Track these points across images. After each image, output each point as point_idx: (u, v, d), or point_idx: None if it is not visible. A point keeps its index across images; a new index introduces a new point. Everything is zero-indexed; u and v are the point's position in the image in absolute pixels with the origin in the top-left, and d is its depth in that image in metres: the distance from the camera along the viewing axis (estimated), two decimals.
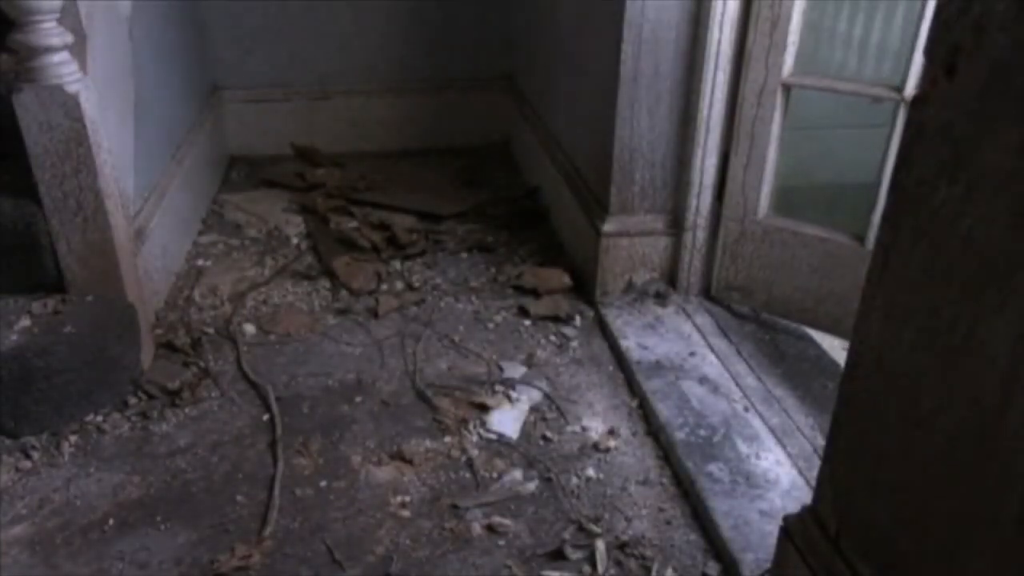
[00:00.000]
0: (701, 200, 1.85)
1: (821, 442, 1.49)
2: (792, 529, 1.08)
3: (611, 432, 1.59)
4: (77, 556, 1.31)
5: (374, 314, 1.96)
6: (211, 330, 1.89)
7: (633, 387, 1.71)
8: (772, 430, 1.54)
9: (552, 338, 1.88)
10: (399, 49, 2.77)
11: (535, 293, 2.02)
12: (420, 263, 2.17)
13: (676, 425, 1.55)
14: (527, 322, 1.94)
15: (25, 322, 1.54)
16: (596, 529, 1.36)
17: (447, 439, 1.57)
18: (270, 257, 2.20)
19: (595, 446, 1.55)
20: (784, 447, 1.50)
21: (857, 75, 1.78)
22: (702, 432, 1.54)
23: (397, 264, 2.16)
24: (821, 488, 1.04)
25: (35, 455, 1.50)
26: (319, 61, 2.73)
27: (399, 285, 2.08)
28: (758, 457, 1.48)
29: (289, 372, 1.76)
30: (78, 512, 1.40)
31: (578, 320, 1.93)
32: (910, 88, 1.49)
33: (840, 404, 1.00)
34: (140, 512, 1.40)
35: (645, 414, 1.64)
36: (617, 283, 1.96)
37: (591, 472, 1.49)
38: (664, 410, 1.59)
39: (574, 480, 1.47)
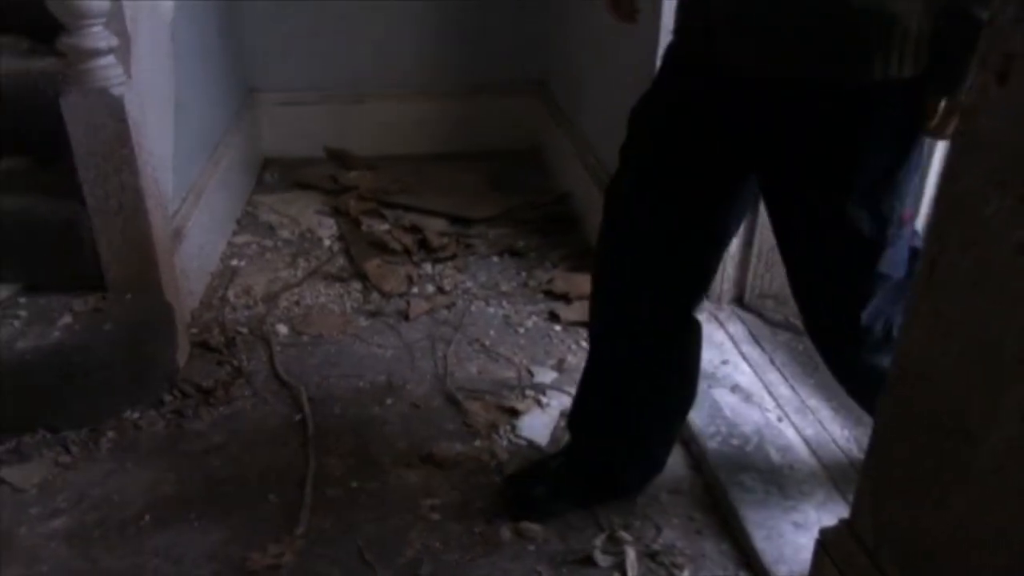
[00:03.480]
0: None
1: (857, 455, 1.47)
2: (829, 542, 1.07)
3: None
4: (114, 550, 1.33)
5: (405, 316, 1.97)
6: (245, 330, 1.92)
7: None
8: (806, 441, 1.52)
9: (583, 344, 1.88)
10: (433, 53, 2.78)
11: (566, 298, 2.02)
12: (451, 266, 2.18)
13: (708, 434, 1.54)
14: (558, 327, 1.94)
15: (67, 319, 1.57)
16: (626, 537, 1.35)
17: (477, 443, 1.58)
18: (303, 258, 2.22)
19: None
20: (819, 459, 1.47)
21: None
22: (734, 441, 1.52)
23: (428, 267, 2.17)
24: (859, 501, 1.03)
25: (74, 450, 1.53)
26: (353, 65, 2.76)
27: (430, 288, 2.09)
28: (791, 468, 1.46)
29: (321, 373, 1.78)
30: (115, 507, 1.42)
31: None
32: None
33: (881, 416, 0.98)
34: (175, 508, 1.42)
35: None
36: None
37: None
38: (696, 418, 1.58)
39: None
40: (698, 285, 1.32)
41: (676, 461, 1.53)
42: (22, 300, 1.61)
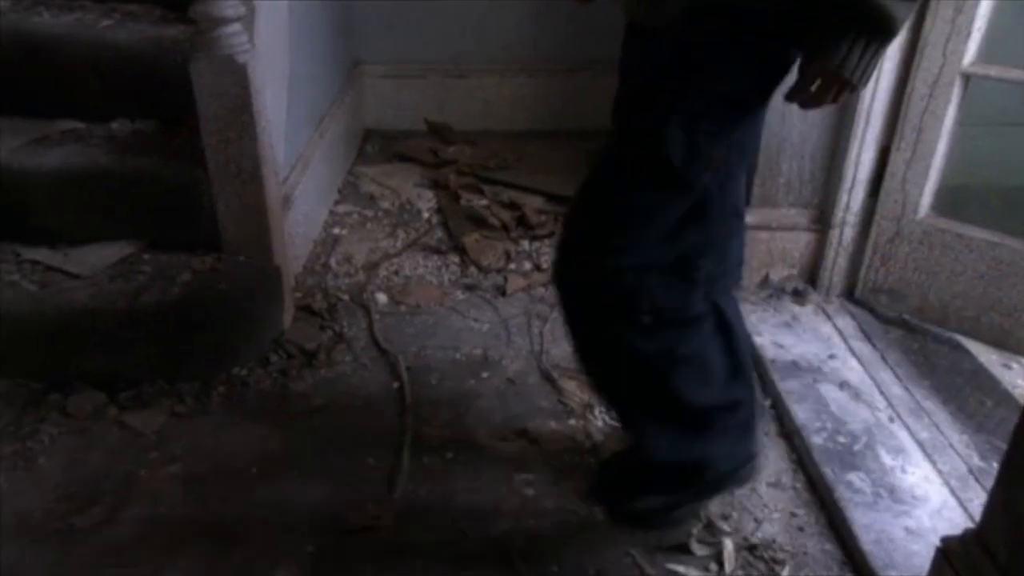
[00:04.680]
0: (853, 196, 1.74)
1: (977, 462, 1.39)
2: (952, 552, 1.01)
3: None
4: (225, 498, 1.40)
5: (501, 292, 1.97)
6: (346, 297, 1.96)
7: (766, 385, 1.64)
8: (920, 444, 1.44)
9: None
10: (535, 30, 2.76)
11: None
12: (548, 244, 2.16)
13: (813, 429, 1.48)
14: None
15: (186, 276, 1.65)
16: (725, 528, 1.32)
17: (572, 422, 1.57)
18: (402, 230, 2.26)
19: None
20: (933, 463, 1.40)
21: None
22: (841, 439, 1.46)
23: (525, 244, 2.16)
24: (991, 512, 0.96)
25: (188, 400, 1.61)
26: (457, 39, 2.76)
27: (527, 265, 2.08)
28: (904, 471, 1.39)
29: (418, 343, 1.80)
30: (225, 457, 1.49)
31: None
32: None
33: (1022, 422, 0.91)
34: (280, 464, 1.48)
35: (779, 414, 1.57)
36: (753, 277, 1.88)
37: None
38: (800, 412, 1.52)
39: None
40: None
41: (777, 454, 1.48)
42: (146, 257, 1.70)
